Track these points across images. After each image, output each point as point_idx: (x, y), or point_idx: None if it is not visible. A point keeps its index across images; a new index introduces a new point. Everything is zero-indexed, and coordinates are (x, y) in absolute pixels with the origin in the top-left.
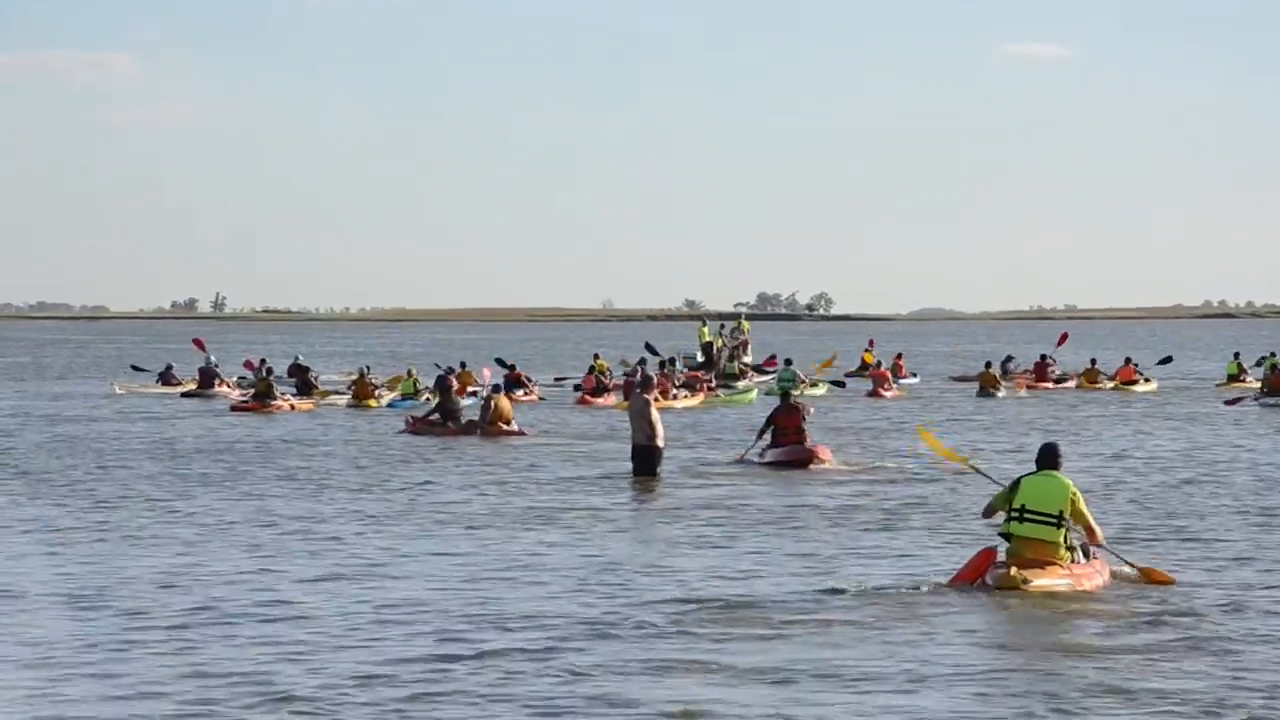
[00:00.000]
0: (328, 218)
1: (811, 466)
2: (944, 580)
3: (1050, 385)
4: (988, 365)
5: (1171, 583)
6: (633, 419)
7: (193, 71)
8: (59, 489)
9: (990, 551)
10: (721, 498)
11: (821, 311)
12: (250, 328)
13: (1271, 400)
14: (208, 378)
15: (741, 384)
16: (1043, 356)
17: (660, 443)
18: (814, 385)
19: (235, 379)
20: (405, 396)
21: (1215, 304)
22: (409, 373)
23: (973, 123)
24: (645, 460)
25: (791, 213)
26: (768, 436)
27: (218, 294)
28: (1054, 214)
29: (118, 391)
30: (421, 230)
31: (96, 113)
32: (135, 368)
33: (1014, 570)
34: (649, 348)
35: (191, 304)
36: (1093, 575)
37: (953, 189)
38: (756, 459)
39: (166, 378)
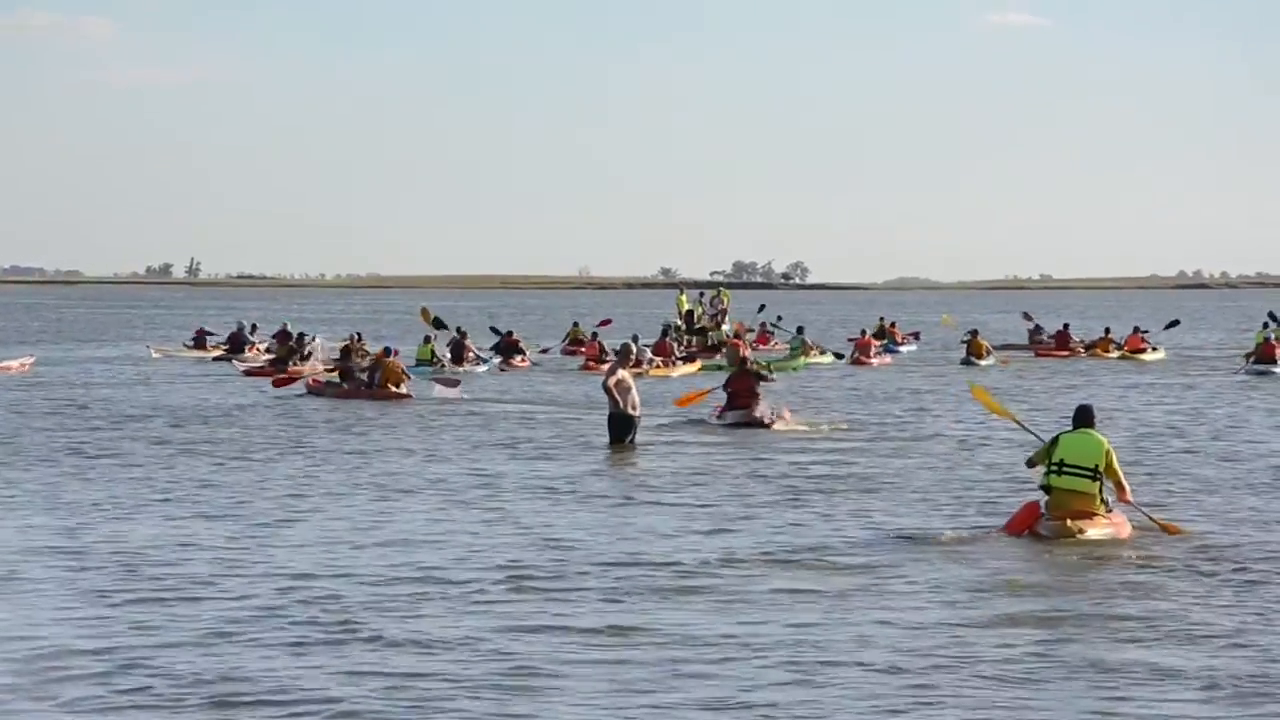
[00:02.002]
0: (304, 184)
1: (776, 427)
2: (997, 529)
3: (1068, 354)
4: (974, 333)
5: (1188, 534)
6: (611, 387)
7: (169, 35)
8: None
9: (1034, 505)
10: (695, 466)
11: (798, 280)
12: (225, 293)
13: (1260, 368)
14: (238, 342)
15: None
16: (1065, 325)
17: (635, 411)
18: (822, 353)
19: (265, 344)
20: (421, 362)
21: (1190, 274)
22: (427, 339)
23: (951, 92)
24: (620, 429)
25: (768, 181)
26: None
27: (192, 259)
28: (1030, 184)
29: (154, 355)
30: (397, 197)
31: (72, 75)
32: (205, 331)
33: (1069, 521)
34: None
35: (166, 269)
36: (1123, 526)
37: (929, 159)
38: (715, 420)
39: (200, 341)
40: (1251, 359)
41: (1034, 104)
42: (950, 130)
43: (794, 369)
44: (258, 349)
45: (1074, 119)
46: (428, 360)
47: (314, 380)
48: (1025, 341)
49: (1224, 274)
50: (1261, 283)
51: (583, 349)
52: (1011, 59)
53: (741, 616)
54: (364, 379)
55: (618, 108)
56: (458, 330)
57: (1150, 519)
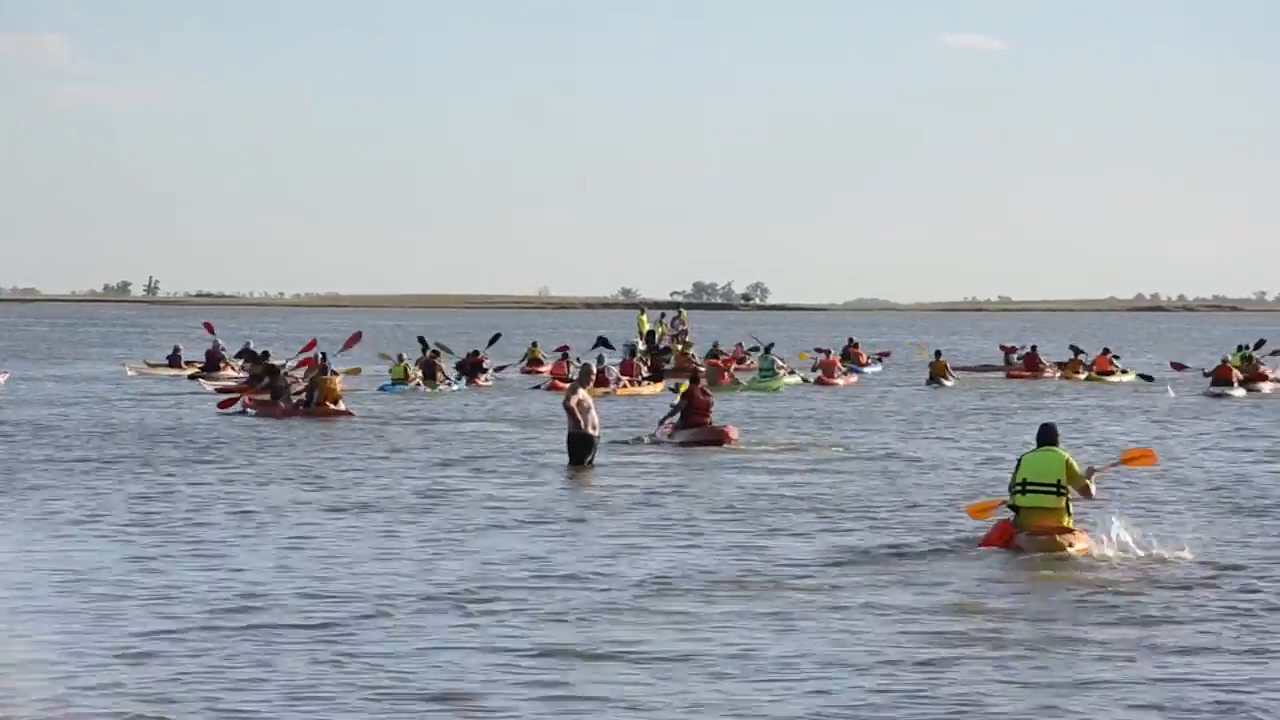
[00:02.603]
0: (262, 202)
1: (723, 445)
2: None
3: (1038, 376)
4: (938, 354)
5: (1152, 457)
6: (570, 407)
7: (127, 53)
8: None
9: (1008, 523)
10: (653, 486)
11: (758, 301)
12: (184, 312)
13: (1217, 389)
14: (213, 360)
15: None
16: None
17: (595, 432)
18: (790, 374)
19: (240, 363)
20: (396, 381)
21: (1148, 297)
22: (400, 357)
23: (909, 114)
24: (580, 449)
25: (728, 202)
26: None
27: (150, 277)
28: (988, 207)
29: (130, 374)
30: (356, 215)
31: (29, 93)
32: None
33: (1058, 537)
34: (602, 341)
35: (124, 287)
36: (1089, 541)
37: (887, 180)
38: (667, 438)
39: (175, 360)
40: (1209, 380)
41: (991, 126)
42: (907, 152)
43: (774, 389)
44: (232, 367)
45: (1031, 141)
46: (402, 379)
47: (251, 399)
48: (996, 363)
49: (1181, 297)
50: (1218, 306)
51: (541, 369)
52: (968, 81)
53: (696, 635)
54: (302, 398)
55: (578, 128)
56: (431, 349)
57: (1110, 468)
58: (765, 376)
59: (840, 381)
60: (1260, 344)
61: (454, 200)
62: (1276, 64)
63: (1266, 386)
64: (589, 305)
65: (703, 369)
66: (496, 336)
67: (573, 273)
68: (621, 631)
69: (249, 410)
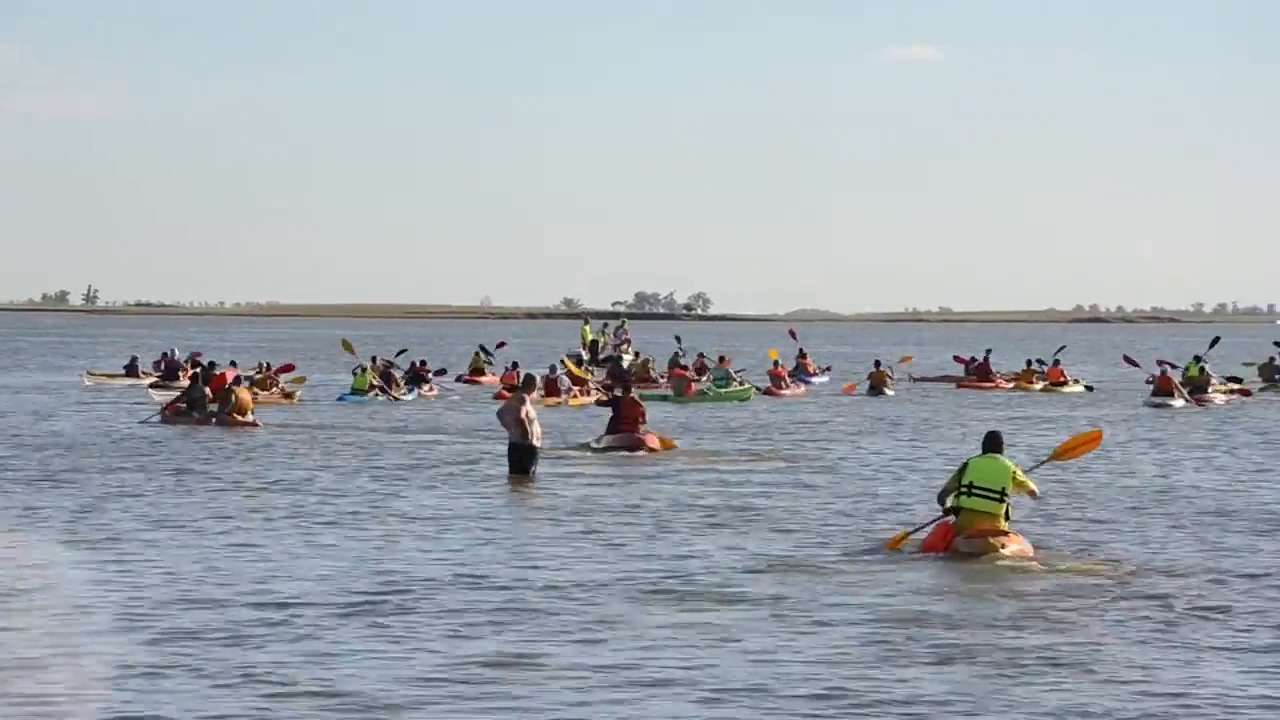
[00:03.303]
0: (201, 211)
1: (640, 452)
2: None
3: (990, 385)
4: (877, 364)
5: (1097, 439)
6: (509, 417)
7: (67, 64)
8: None
9: (948, 525)
10: (594, 497)
11: (700, 311)
12: (123, 321)
13: (1157, 400)
14: (172, 370)
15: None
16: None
17: (537, 442)
18: (741, 384)
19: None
20: (356, 391)
21: (1087, 308)
22: (362, 369)
23: (853, 126)
24: (521, 458)
25: (670, 212)
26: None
27: (89, 287)
28: (929, 217)
29: (87, 383)
30: (297, 225)
31: None
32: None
33: (989, 539)
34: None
35: (63, 297)
36: (1027, 546)
37: (830, 191)
38: (593, 444)
39: (132, 369)
40: (1150, 391)
41: (934, 137)
42: (851, 163)
43: (742, 399)
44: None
45: (974, 153)
46: (363, 390)
47: (168, 409)
48: (955, 373)
49: (1120, 308)
50: (1156, 317)
51: (482, 378)
52: (912, 93)
53: (631, 646)
54: (213, 408)
55: (520, 137)
56: (384, 359)
57: (1045, 461)
58: (720, 386)
59: (788, 392)
60: (1216, 341)
61: (396, 210)
62: (1219, 75)
63: (1218, 398)
64: (531, 315)
65: (662, 380)
66: (502, 344)
67: (514, 282)
68: (553, 642)
69: (160, 419)
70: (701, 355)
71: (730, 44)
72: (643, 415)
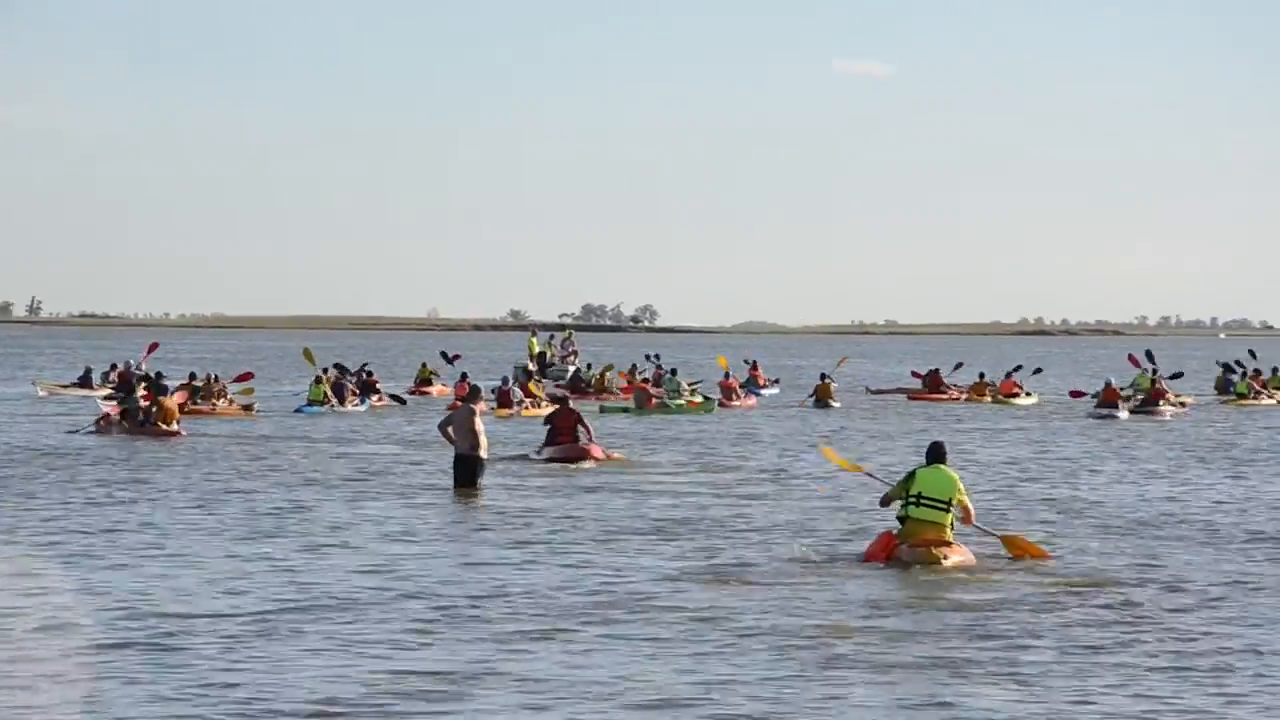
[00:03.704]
0: (146, 222)
1: (584, 463)
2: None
3: (942, 398)
4: (823, 377)
5: (1039, 554)
6: (456, 428)
7: (5, 72)
8: None
9: (890, 535)
10: (538, 509)
11: (646, 323)
12: (68, 333)
13: (1103, 411)
14: (127, 381)
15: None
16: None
17: (483, 453)
18: (694, 395)
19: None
20: (313, 402)
21: (1032, 321)
22: (317, 379)
23: (800, 138)
24: (467, 470)
25: (617, 224)
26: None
27: (33, 298)
28: (876, 230)
29: (40, 394)
30: (243, 236)
31: None
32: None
33: (932, 549)
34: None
35: (6, 308)
36: (970, 555)
37: (776, 203)
38: (532, 455)
39: (85, 381)
40: (1095, 403)
41: (881, 150)
42: (798, 175)
43: (706, 411)
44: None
45: (920, 166)
46: (320, 400)
47: (102, 420)
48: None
49: (1065, 321)
50: (1100, 330)
51: (429, 389)
52: (856, 105)
53: (569, 658)
54: (141, 417)
55: (467, 148)
56: (338, 368)
57: (992, 533)
58: (672, 398)
59: (739, 404)
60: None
61: (343, 221)
62: (1166, 90)
63: (1167, 410)
64: (478, 327)
65: (618, 392)
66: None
67: (462, 294)
68: (490, 653)
69: (94, 429)
70: (659, 367)
71: (679, 56)
72: (582, 424)
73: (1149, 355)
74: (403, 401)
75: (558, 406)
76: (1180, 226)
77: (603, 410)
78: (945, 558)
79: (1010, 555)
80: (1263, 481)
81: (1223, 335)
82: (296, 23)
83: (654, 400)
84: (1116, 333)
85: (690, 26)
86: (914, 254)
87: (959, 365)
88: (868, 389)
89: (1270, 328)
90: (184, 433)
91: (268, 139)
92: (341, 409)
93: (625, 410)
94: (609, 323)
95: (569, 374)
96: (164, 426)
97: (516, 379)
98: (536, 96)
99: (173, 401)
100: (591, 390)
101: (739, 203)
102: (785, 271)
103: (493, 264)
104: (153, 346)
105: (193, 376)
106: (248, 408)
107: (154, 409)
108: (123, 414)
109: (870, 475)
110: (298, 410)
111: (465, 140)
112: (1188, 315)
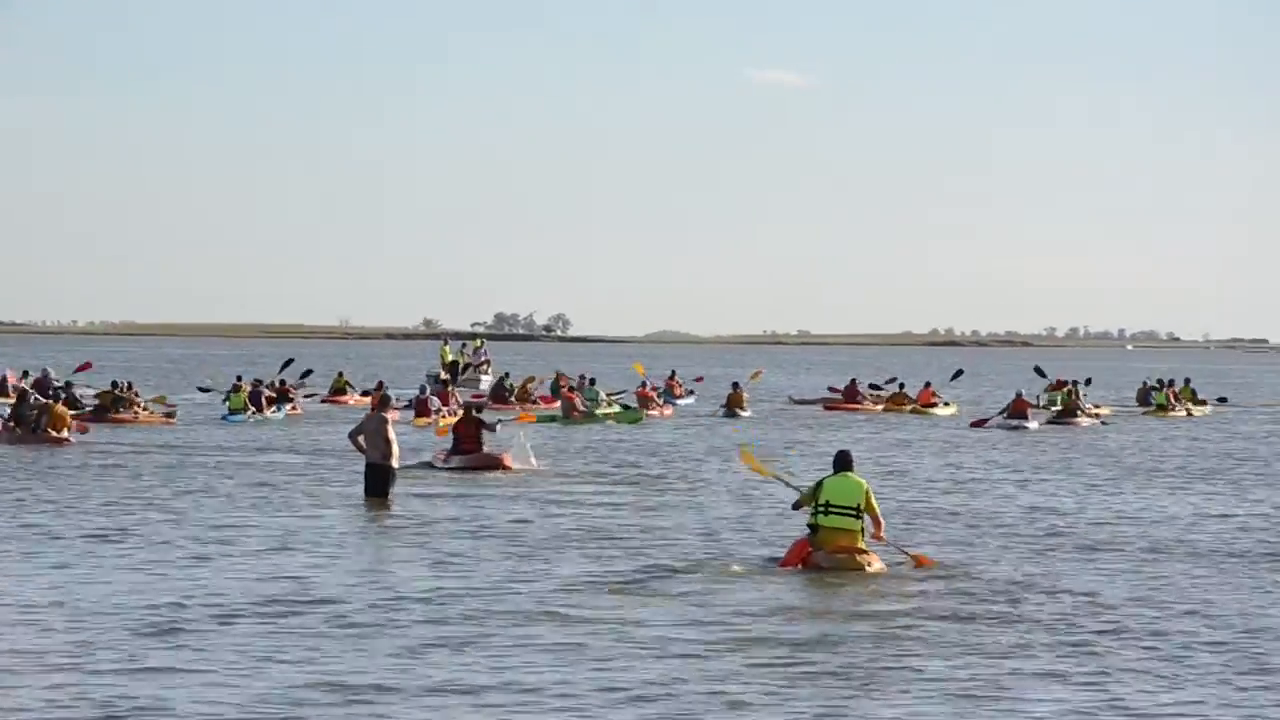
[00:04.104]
0: (53, 228)
1: (495, 472)
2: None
3: (856, 407)
4: (735, 386)
5: (935, 564)
6: (368, 438)
7: None
8: None
9: (804, 541)
10: (448, 516)
11: (559, 332)
12: None
13: (1013, 423)
14: (42, 389)
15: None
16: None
17: (395, 463)
18: (610, 406)
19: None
20: (234, 412)
21: (942, 331)
22: (235, 389)
23: (713, 146)
24: (379, 480)
25: (531, 233)
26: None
27: None
28: (788, 240)
29: None
30: (153, 243)
31: None
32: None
33: (856, 555)
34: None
35: None
36: (879, 562)
37: (690, 213)
38: (436, 464)
39: (1, 388)
40: (1005, 414)
41: (795, 160)
42: (710, 185)
43: (633, 421)
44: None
45: (833, 176)
46: (241, 409)
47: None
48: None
49: (975, 332)
50: (1010, 341)
51: (343, 398)
52: (771, 115)
53: (475, 666)
54: (32, 424)
55: (378, 156)
56: (252, 380)
57: (903, 551)
58: (590, 408)
59: (655, 413)
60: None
61: (253, 228)
62: (1074, 100)
63: (1084, 421)
64: (390, 336)
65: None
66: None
67: (374, 302)
68: (393, 663)
69: None
70: (581, 376)
71: (593, 63)
72: (485, 430)
73: (1038, 370)
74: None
75: (461, 415)
76: (1088, 239)
77: (539, 419)
78: (869, 564)
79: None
80: (1165, 492)
81: (1130, 347)
82: (193, 22)
83: (580, 410)
84: (1026, 344)
85: (602, 33)
86: (826, 264)
87: (959, 373)
88: (791, 399)
89: (1177, 339)
90: (74, 440)
91: (176, 144)
92: (261, 416)
93: (554, 419)
94: (522, 331)
95: (481, 383)
96: (54, 434)
97: (431, 388)
98: (448, 102)
99: (63, 409)
100: (514, 399)
101: (652, 212)
102: (698, 281)
103: (405, 272)
104: (83, 366)
105: (115, 385)
106: (169, 416)
107: (44, 417)
108: (17, 421)
109: (785, 482)
110: (222, 419)
111: (378, 146)
112: (1096, 327)
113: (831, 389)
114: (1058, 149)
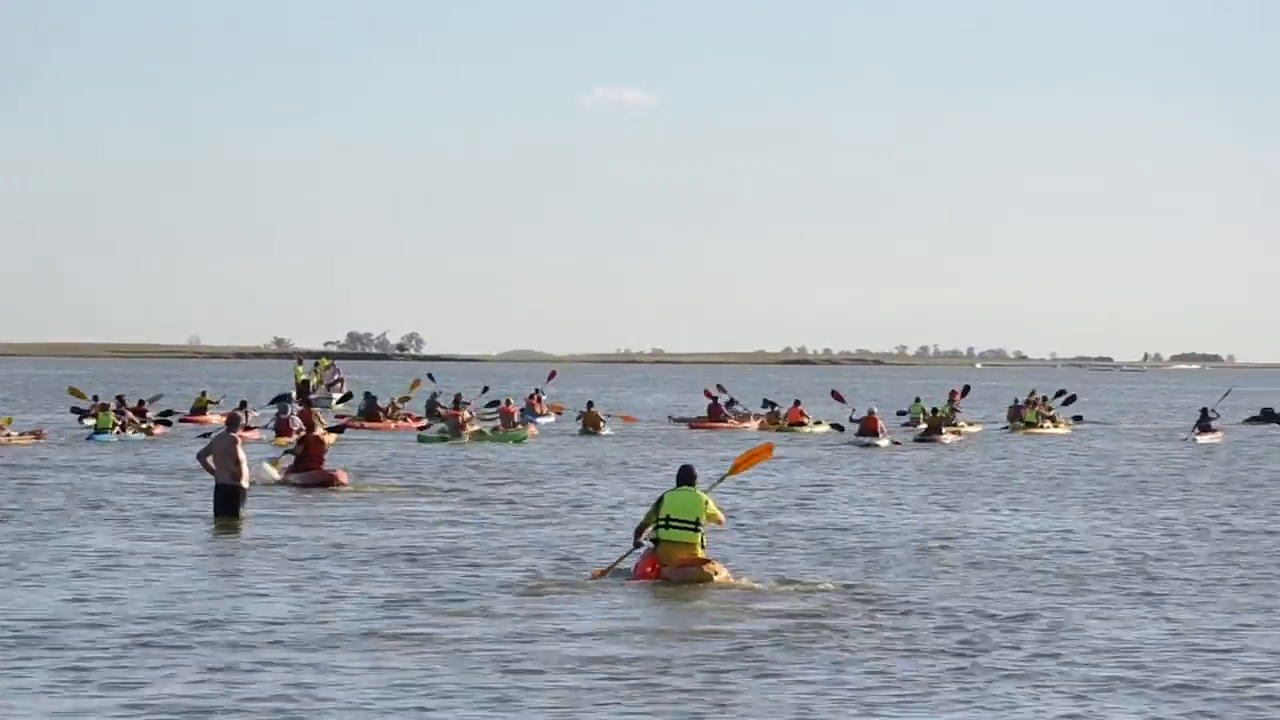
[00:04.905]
0: None
1: (332, 487)
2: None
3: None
4: (589, 405)
5: (768, 451)
6: (217, 458)
7: None
8: None
9: (652, 556)
10: (302, 536)
11: (412, 351)
12: None
13: (864, 440)
14: None
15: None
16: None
17: (245, 483)
18: (473, 424)
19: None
20: (100, 430)
21: (795, 350)
22: (105, 406)
23: (557, 164)
24: (229, 500)
25: (382, 251)
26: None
27: None
28: (641, 259)
29: None
30: None
31: None
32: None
33: (706, 566)
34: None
35: None
36: (724, 571)
37: (540, 231)
38: (280, 478)
39: None
40: (857, 430)
41: (643, 178)
42: (558, 202)
43: (516, 440)
44: None
45: (682, 195)
46: (108, 428)
47: None
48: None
49: (827, 350)
50: (861, 360)
51: (203, 417)
52: (615, 134)
53: (319, 688)
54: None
55: (229, 171)
56: (115, 398)
57: (726, 474)
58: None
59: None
60: (966, 390)
61: (102, 245)
62: (916, 120)
63: (948, 438)
64: (241, 354)
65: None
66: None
67: (224, 321)
68: (223, 683)
69: None
70: (458, 395)
71: (440, 80)
72: (325, 448)
73: (835, 394)
74: (169, 424)
75: (303, 434)
76: (937, 259)
77: (421, 440)
78: (716, 573)
79: (745, 469)
80: (1018, 507)
81: (979, 365)
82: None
83: (467, 429)
84: (877, 362)
85: (453, 51)
86: (679, 283)
87: (966, 389)
88: (670, 418)
89: (1024, 358)
90: None
91: (17, 159)
92: (126, 436)
93: (443, 439)
94: (375, 350)
95: (333, 401)
96: None
97: (293, 409)
98: (307, 119)
99: None
100: (388, 418)
101: (504, 230)
102: (551, 300)
103: (255, 290)
104: None
105: None
106: (38, 435)
107: None
108: None
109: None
110: (89, 439)
111: (229, 161)
112: (945, 345)
113: (707, 393)
114: (902, 168)
